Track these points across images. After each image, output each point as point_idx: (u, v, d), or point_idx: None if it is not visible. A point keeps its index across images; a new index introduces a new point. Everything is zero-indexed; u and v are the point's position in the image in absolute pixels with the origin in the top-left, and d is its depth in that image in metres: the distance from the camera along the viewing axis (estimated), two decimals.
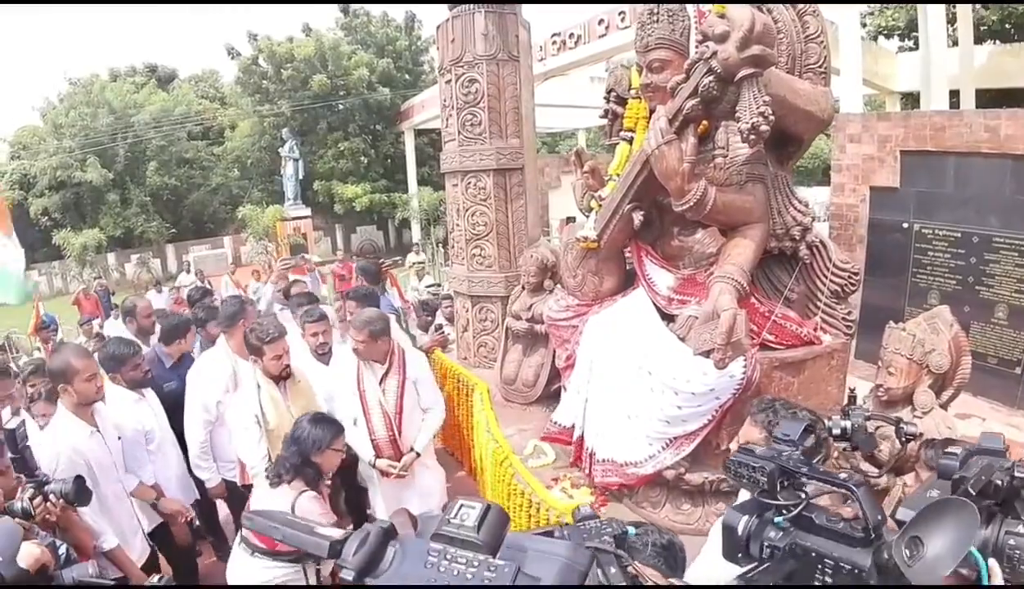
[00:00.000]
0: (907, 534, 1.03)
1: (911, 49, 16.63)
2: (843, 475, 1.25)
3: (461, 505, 0.99)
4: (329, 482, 3.45)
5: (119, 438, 3.76)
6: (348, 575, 0.96)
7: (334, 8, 30.55)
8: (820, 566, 1.17)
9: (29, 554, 2.07)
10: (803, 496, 1.26)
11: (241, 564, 3.37)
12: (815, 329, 3.37)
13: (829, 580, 1.14)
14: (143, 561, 3.72)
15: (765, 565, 1.22)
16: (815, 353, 3.32)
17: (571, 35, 15.79)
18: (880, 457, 2.86)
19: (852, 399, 2.74)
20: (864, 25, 14.02)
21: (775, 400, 2.34)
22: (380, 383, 4.25)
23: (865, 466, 2.82)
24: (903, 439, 2.56)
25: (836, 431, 2.32)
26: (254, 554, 3.31)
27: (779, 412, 2.21)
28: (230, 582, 3.45)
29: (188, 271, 16.63)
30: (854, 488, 1.19)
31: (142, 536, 3.81)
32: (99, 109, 28.15)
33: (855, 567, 1.11)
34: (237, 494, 4.51)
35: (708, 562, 2.15)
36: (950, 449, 1.43)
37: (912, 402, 3.09)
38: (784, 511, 1.25)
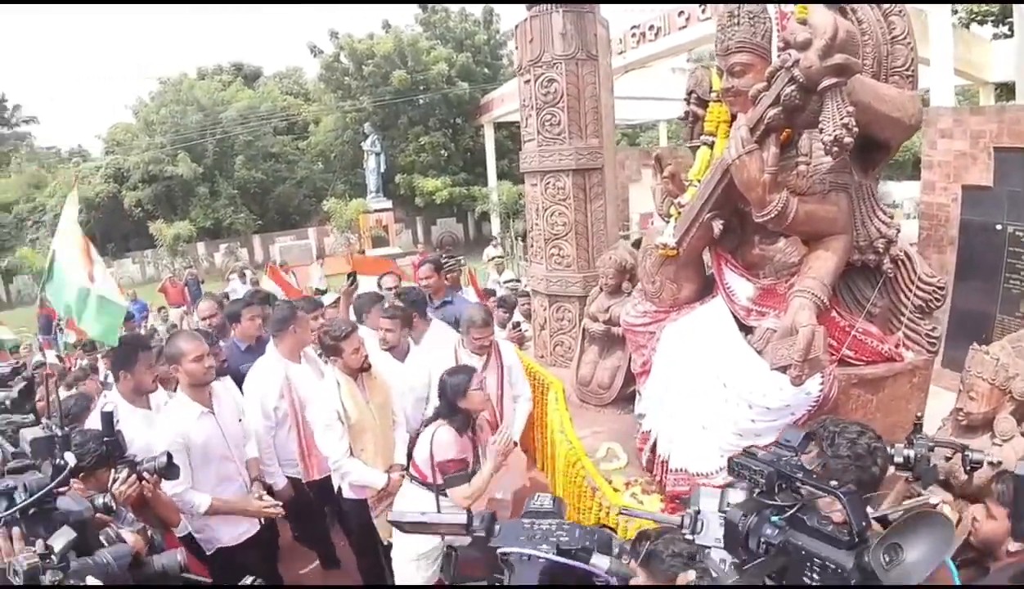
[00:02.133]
0: (887, 540, 1.14)
1: (1006, 36, 15.87)
2: (833, 483, 1.32)
3: (537, 495, 1.73)
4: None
5: (240, 420, 4.11)
6: (480, 532, 1.61)
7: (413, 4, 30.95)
8: (809, 564, 1.26)
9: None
10: (798, 499, 1.37)
11: (407, 492, 3.84)
12: (897, 345, 3.27)
13: (816, 577, 1.24)
14: (250, 535, 3.99)
15: (760, 560, 1.34)
16: (896, 370, 3.23)
17: (651, 27, 15.61)
18: (954, 483, 2.75)
19: (918, 427, 2.63)
20: (955, 12, 13.39)
21: (825, 419, 2.29)
22: (482, 372, 4.41)
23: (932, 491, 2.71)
24: (968, 468, 2.46)
25: (899, 459, 2.26)
26: (411, 482, 3.77)
27: (827, 427, 2.17)
28: (396, 507, 3.83)
29: (243, 275, 16.25)
30: (841, 495, 1.27)
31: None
32: (188, 106, 29.42)
33: (839, 567, 1.21)
34: (302, 491, 4.64)
35: None
36: None
37: (992, 428, 2.96)
38: (780, 511, 1.36)
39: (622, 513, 2.75)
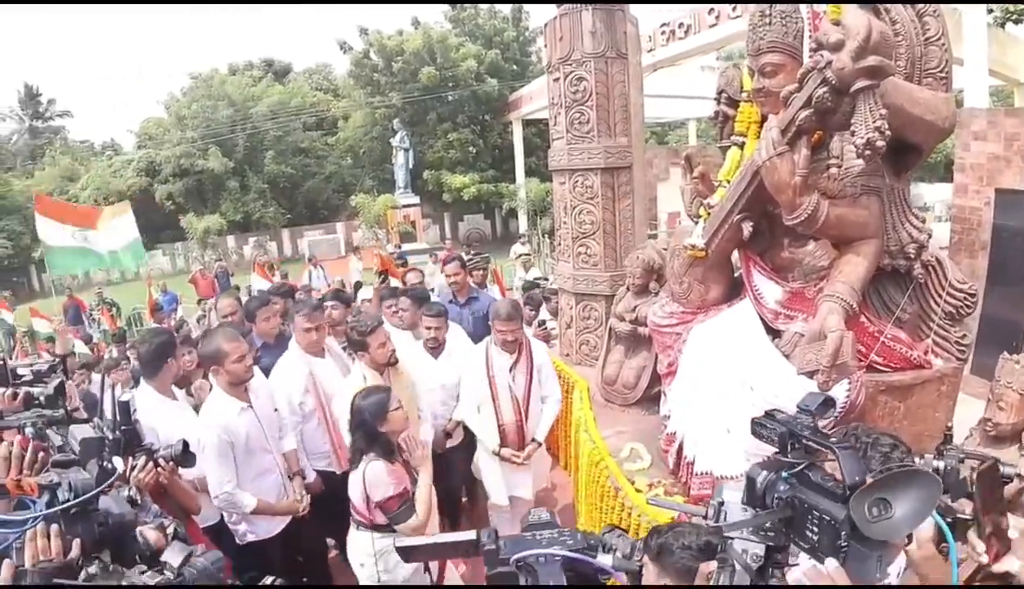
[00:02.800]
0: (871, 494, 1.22)
1: None
2: (834, 439, 1.43)
3: (532, 511, 1.76)
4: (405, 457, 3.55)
5: (275, 410, 4.16)
6: (491, 546, 1.60)
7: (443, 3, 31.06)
8: (810, 516, 1.36)
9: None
10: (809, 457, 1.46)
11: (353, 538, 3.60)
12: (926, 352, 3.23)
13: (815, 527, 1.34)
14: (280, 528, 4.04)
15: (769, 511, 1.45)
16: (924, 378, 3.18)
17: (680, 25, 15.50)
18: None
19: (948, 438, 2.59)
20: (990, 11, 13.08)
21: (856, 427, 2.28)
22: (510, 370, 4.43)
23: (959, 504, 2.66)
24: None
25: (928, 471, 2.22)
26: (359, 528, 3.52)
27: (860, 437, 2.15)
28: (351, 554, 3.65)
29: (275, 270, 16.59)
30: (836, 449, 1.36)
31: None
32: (219, 102, 29.89)
33: (832, 518, 1.30)
34: (334, 483, 4.57)
35: None
36: None
37: (1021, 439, 2.90)
38: (792, 468, 1.45)
39: (650, 503, 2.75)
